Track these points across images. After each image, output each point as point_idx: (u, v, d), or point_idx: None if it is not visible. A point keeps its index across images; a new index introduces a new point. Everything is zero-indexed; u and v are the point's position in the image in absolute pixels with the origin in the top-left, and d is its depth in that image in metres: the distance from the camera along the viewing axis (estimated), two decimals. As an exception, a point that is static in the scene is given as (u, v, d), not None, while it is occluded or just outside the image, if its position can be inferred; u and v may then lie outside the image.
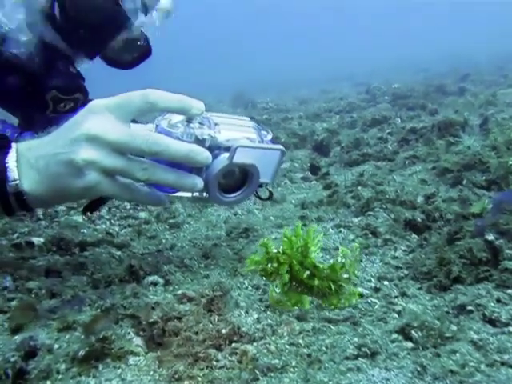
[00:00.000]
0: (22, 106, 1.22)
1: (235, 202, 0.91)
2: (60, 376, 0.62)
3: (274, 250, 0.73)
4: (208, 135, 0.81)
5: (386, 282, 0.89)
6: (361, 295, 0.85)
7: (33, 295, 0.85)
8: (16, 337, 0.69)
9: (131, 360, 0.66)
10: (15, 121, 1.29)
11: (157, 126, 0.83)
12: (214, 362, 0.64)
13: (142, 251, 1.14)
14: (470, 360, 0.60)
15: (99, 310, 0.79)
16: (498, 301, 0.75)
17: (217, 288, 0.80)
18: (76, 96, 1.19)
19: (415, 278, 0.89)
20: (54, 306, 0.81)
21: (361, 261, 1.01)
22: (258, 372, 0.61)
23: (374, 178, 1.54)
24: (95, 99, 0.80)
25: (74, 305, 0.81)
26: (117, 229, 1.37)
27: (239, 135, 0.86)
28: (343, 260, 0.73)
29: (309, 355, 0.65)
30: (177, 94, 0.79)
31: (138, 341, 0.70)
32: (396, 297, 0.83)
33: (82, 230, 1.31)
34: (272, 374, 0.61)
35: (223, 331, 0.70)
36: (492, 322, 0.70)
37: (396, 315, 0.76)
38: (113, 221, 1.45)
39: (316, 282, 0.71)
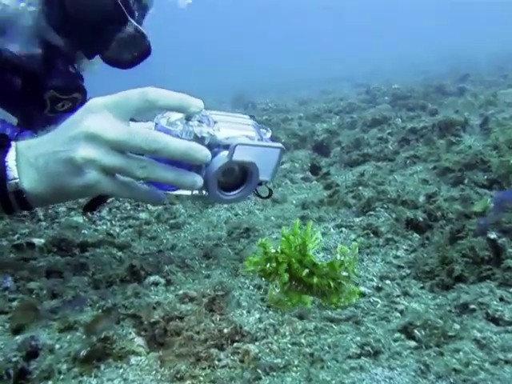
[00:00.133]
0: (20, 106, 1.22)
1: (235, 200, 0.91)
2: (62, 376, 0.62)
3: (273, 250, 0.73)
4: (207, 133, 0.81)
5: (388, 282, 0.89)
6: (363, 294, 0.85)
7: (34, 296, 0.85)
8: (17, 337, 0.68)
9: (133, 360, 0.66)
10: (14, 120, 1.28)
11: (156, 124, 0.83)
12: (216, 362, 0.64)
13: (142, 252, 1.14)
14: (473, 358, 0.60)
15: (100, 310, 0.79)
16: (501, 299, 0.74)
17: (218, 288, 0.80)
18: (74, 96, 1.19)
19: (417, 277, 0.89)
20: (55, 306, 0.81)
21: (362, 260, 1.01)
22: (260, 371, 0.61)
23: (374, 178, 1.54)
24: (94, 98, 0.80)
25: (75, 305, 0.81)
26: (117, 229, 1.37)
27: (238, 133, 0.86)
28: (342, 258, 0.73)
29: (311, 354, 0.65)
30: (176, 92, 0.80)
31: (139, 341, 0.70)
32: (398, 296, 0.83)
33: (82, 231, 1.30)
34: (274, 374, 0.61)
35: (225, 331, 0.69)
36: (495, 321, 0.70)
37: (398, 314, 0.76)
38: (113, 221, 1.44)
39: (315, 279, 0.71)
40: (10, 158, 0.78)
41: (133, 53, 1.28)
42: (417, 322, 0.69)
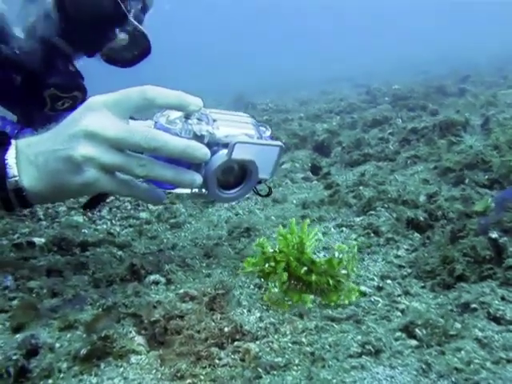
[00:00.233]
0: (20, 104, 1.22)
1: (234, 199, 0.91)
2: (62, 375, 0.62)
3: (271, 250, 0.73)
4: (206, 131, 0.81)
5: (388, 281, 0.89)
6: (364, 294, 0.84)
7: (34, 294, 0.85)
8: (17, 335, 0.68)
9: (133, 359, 0.65)
10: (15, 118, 1.28)
11: (155, 122, 0.83)
12: (217, 361, 0.64)
13: (143, 251, 1.14)
14: (475, 357, 0.60)
15: (101, 309, 0.78)
16: (503, 299, 0.74)
17: (219, 286, 0.80)
18: (74, 94, 1.19)
19: (418, 276, 0.88)
20: (56, 305, 0.80)
21: (363, 260, 1.01)
22: (260, 370, 0.61)
23: (375, 178, 1.54)
24: (93, 96, 0.80)
25: (76, 304, 0.81)
26: (118, 229, 1.37)
27: (238, 131, 0.86)
28: (340, 255, 0.73)
29: (312, 353, 0.65)
30: (175, 90, 0.79)
31: (139, 339, 0.70)
32: (399, 295, 0.83)
33: (83, 230, 1.30)
34: (275, 372, 0.61)
35: (225, 330, 0.69)
36: (497, 320, 0.69)
37: (399, 313, 0.76)
38: (114, 221, 1.44)
39: (313, 277, 0.71)
40: (10, 156, 0.78)
41: (133, 52, 1.28)
42: (418, 321, 0.69)
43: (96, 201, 1.02)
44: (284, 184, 1.75)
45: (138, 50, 1.28)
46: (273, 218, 1.33)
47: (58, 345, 0.68)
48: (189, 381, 0.60)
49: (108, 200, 1.56)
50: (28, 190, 0.79)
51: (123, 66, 1.33)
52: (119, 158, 0.76)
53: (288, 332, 0.70)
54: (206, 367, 0.63)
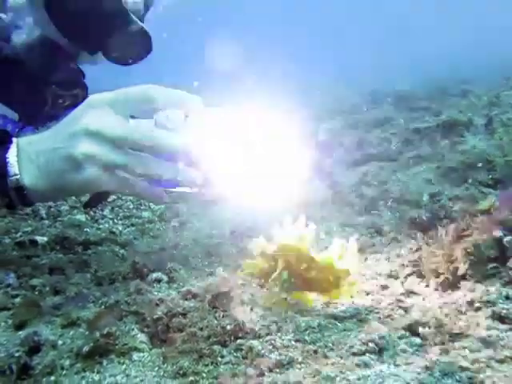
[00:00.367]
0: (21, 102, 1.22)
1: (235, 197, 0.91)
2: (64, 372, 0.62)
3: (270, 250, 0.73)
4: None
5: (392, 280, 0.88)
6: (367, 293, 0.84)
7: (36, 292, 0.85)
8: (20, 332, 0.68)
9: (135, 356, 0.65)
10: (16, 116, 1.28)
11: (156, 120, 0.83)
12: (219, 358, 0.63)
13: (145, 250, 1.14)
14: (480, 356, 0.59)
15: (103, 307, 0.78)
16: (507, 298, 0.73)
17: (222, 284, 0.79)
18: (75, 92, 1.19)
19: (422, 275, 0.88)
20: (58, 302, 0.80)
21: (366, 259, 1.00)
22: (263, 368, 0.60)
23: (378, 178, 1.54)
24: (94, 94, 0.80)
25: (78, 302, 0.81)
26: (120, 228, 1.37)
27: None
28: (340, 252, 0.72)
29: (315, 351, 0.64)
30: (176, 89, 0.79)
31: (142, 337, 0.69)
32: (402, 294, 0.82)
33: (85, 229, 1.30)
34: (278, 370, 0.60)
35: (228, 327, 0.69)
36: (501, 319, 0.69)
37: (403, 312, 0.75)
38: (116, 220, 1.44)
39: (313, 273, 0.71)
40: (11, 154, 0.78)
41: (134, 50, 1.28)
42: (422, 319, 0.69)
43: (97, 199, 1.03)
44: (286, 184, 1.75)
45: (139, 48, 1.28)
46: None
47: (60, 342, 0.68)
48: (191, 378, 0.60)
49: (110, 199, 1.56)
50: (29, 189, 0.79)
51: (125, 64, 1.33)
52: (120, 157, 0.76)
53: (291, 330, 0.70)
54: (208, 365, 0.62)
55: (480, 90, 3.42)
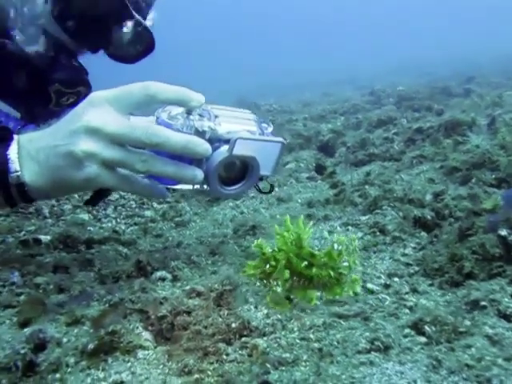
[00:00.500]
0: (25, 100, 1.22)
1: (236, 195, 0.91)
2: (69, 369, 0.62)
3: (270, 250, 0.73)
4: (208, 127, 0.81)
5: (396, 279, 0.88)
6: (371, 291, 0.84)
7: (41, 290, 0.85)
8: (25, 329, 0.68)
9: (140, 354, 0.65)
10: (18, 115, 1.28)
11: (157, 118, 0.83)
12: (224, 356, 0.63)
13: (148, 248, 1.14)
14: (486, 354, 0.59)
15: (107, 305, 0.78)
16: (512, 296, 0.73)
17: (226, 282, 0.79)
18: (79, 90, 1.19)
19: (426, 274, 0.88)
20: (62, 300, 0.81)
21: (369, 258, 1.00)
22: (269, 365, 0.60)
23: (381, 177, 1.53)
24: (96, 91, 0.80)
25: (82, 300, 0.81)
26: (123, 227, 1.37)
27: (239, 127, 0.86)
28: (339, 247, 0.72)
29: (320, 349, 0.64)
30: (177, 86, 0.79)
31: (146, 335, 0.69)
32: (407, 293, 0.82)
33: (88, 228, 1.31)
34: (283, 368, 0.60)
35: (233, 325, 0.69)
36: (507, 318, 0.69)
37: (408, 310, 0.75)
38: (119, 219, 1.45)
39: (314, 270, 0.70)
40: (12, 151, 0.78)
41: (137, 48, 1.28)
42: (427, 318, 0.69)
43: (98, 197, 1.02)
44: (289, 183, 1.75)
45: (141, 46, 1.28)
46: (278, 216, 1.32)
47: (65, 339, 0.68)
48: (196, 376, 0.60)
49: (113, 198, 1.57)
50: (29, 185, 0.79)
51: (127, 61, 1.33)
52: (120, 154, 0.76)
53: (295, 328, 0.70)
54: (213, 363, 0.62)
55: (483, 90, 3.41)
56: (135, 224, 1.39)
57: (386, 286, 0.85)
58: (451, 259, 0.86)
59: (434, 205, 1.16)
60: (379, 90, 4.00)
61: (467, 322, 0.68)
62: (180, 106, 0.81)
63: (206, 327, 0.69)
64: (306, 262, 0.71)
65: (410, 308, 0.76)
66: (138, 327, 0.71)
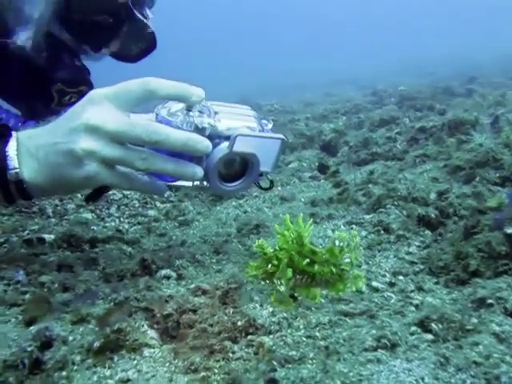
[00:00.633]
0: (26, 99, 1.22)
1: (236, 191, 0.91)
2: (76, 367, 0.62)
3: (271, 249, 0.72)
4: (208, 124, 0.81)
5: (401, 277, 0.88)
6: (376, 289, 0.84)
7: (45, 289, 0.85)
8: (32, 327, 0.68)
9: (146, 352, 0.65)
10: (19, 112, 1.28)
11: (157, 114, 0.83)
12: (231, 354, 0.63)
13: (152, 247, 1.14)
14: (493, 351, 0.59)
15: (112, 304, 0.78)
16: (519, 294, 0.73)
17: (231, 280, 0.79)
18: (81, 89, 1.19)
19: (431, 272, 0.88)
20: (67, 299, 0.81)
21: (374, 256, 1.00)
22: (275, 363, 0.60)
23: (384, 176, 1.53)
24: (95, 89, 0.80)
25: (87, 298, 0.81)
26: (126, 226, 1.37)
27: (239, 124, 0.86)
28: (341, 244, 0.72)
29: (326, 347, 0.64)
30: (177, 81, 0.79)
31: (152, 333, 0.69)
32: (412, 291, 0.82)
33: (91, 227, 1.31)
34: (290, 366, 0.60)
35: (239, 323, 0.69)
36: (513, 315, 0.68)
37: (413, 308, 0.75)
38: (122, 218, 1.45)
39: (316, 267, 0.70)
40: (11, 148, 0.78)
41: (138, 47, 1.28)
42: (433, 315, 0.68)
43: (98, 193, 1.02)
44: (292, 183, 1.75)
45: (143, 45, 1.28)
46: (281, 215, 1.32)
47: (71, 338, 0.68)
48: (203, 374, 0.60)
49: (116, 198, 1.57)
50: (28, 183, 0.79)
51: (129, 60, 1.33)
52: (120, 152, 0.76)
53: (301, 326, 0.69)
54: (219, 360, 0.62)
55: (485, 90, 3.41)
56: (138, 223, 1.39)
57: (391, 285, 0.85)
58: (457, 257, 0.85)
59: (438, 203, 1.15)
60: (381, 90, 4.01)
61: (474, 320, 0.67)
62: (180, 102, 0.81)
63: (211, 325, 0.69)
64: (307, 260, 0.71)
65: (416, 306, 0.75)
66: (143, 325, 0.70)
